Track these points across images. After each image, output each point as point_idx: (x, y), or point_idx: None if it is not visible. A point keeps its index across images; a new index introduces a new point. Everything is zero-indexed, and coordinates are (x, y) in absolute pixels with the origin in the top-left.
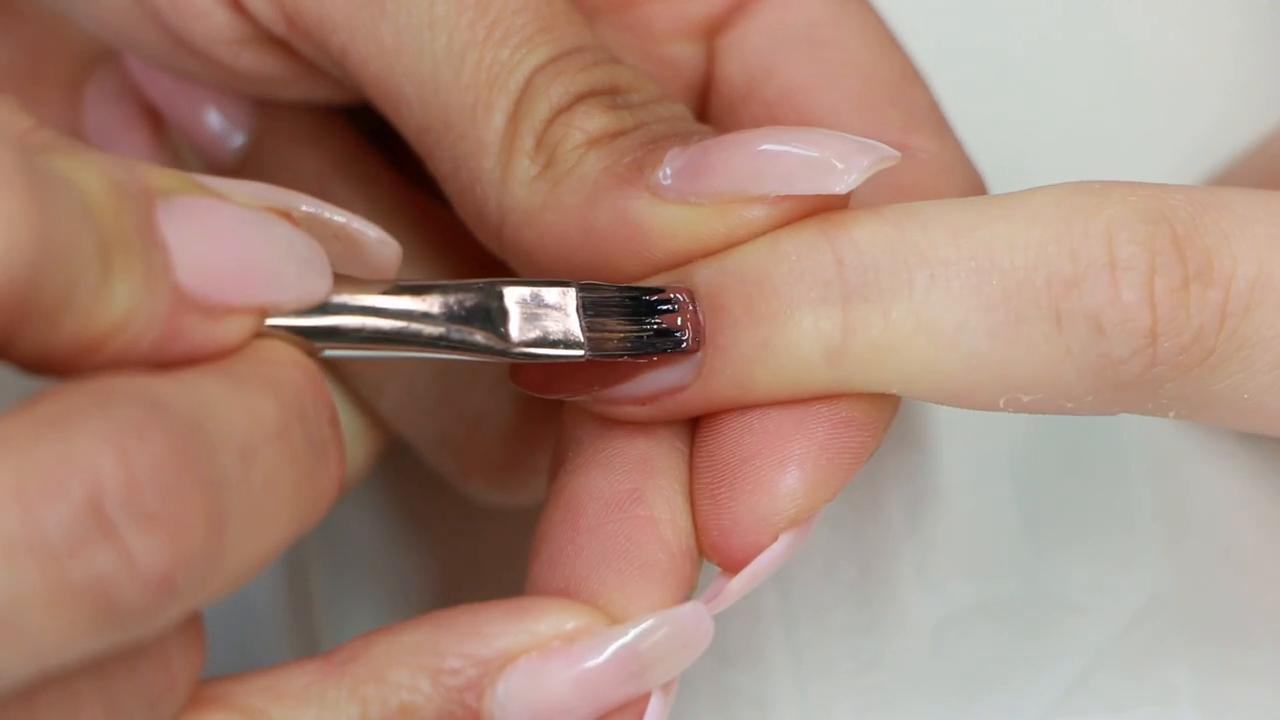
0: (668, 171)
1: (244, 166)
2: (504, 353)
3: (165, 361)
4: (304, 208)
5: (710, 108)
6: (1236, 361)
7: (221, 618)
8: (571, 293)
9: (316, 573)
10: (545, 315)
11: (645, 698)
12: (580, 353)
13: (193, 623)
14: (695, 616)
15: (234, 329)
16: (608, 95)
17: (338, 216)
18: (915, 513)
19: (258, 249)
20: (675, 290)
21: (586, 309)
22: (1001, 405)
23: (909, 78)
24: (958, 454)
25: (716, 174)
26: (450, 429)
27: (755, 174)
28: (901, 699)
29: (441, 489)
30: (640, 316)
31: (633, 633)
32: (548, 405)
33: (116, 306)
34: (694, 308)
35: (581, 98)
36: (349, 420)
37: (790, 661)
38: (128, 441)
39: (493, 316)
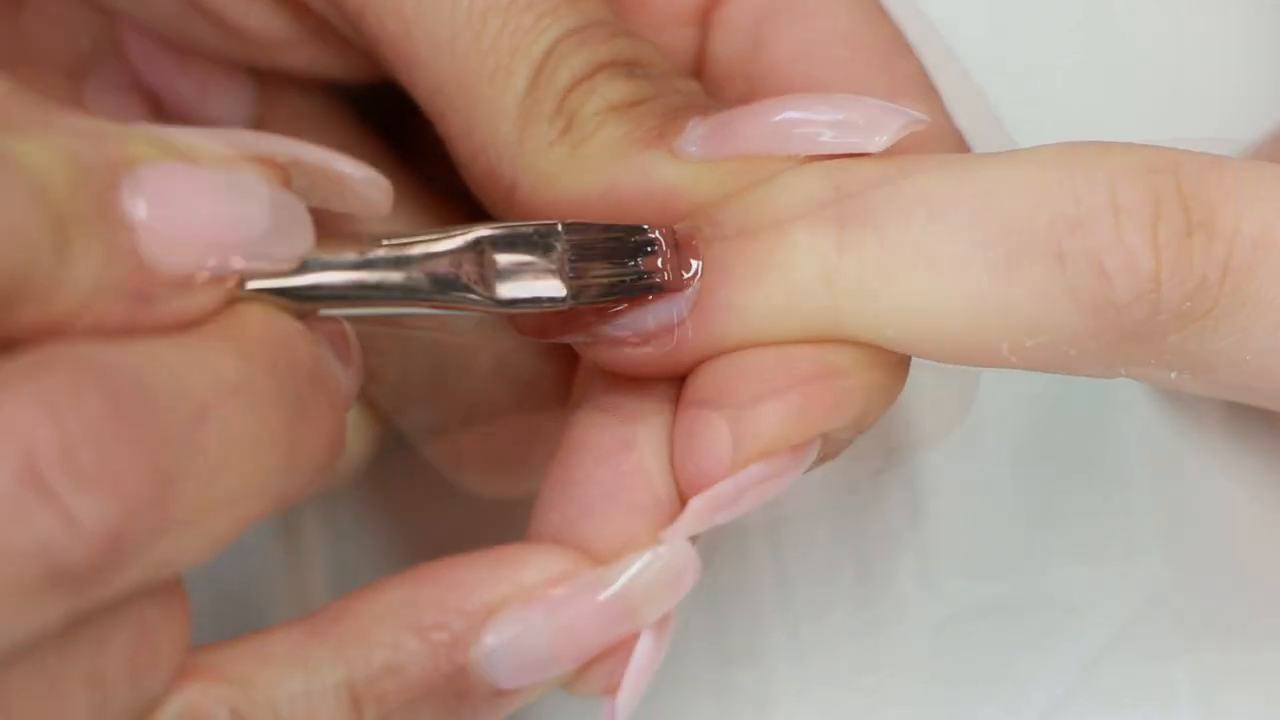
0: (691, 138)
1: None
2: (486, 304)
3: (136, 334)
4: (286, 151)
5: (703, 86)
6: (1240, 319)
7: (222, 623)
8: (556, 236)
9: (319, 570)
10: (529, 265)
11: (634, 638)
12: (562, 302)
13: (173, 592)
14: (679, 552)
15: (207, 298)
16: (628, 66)
17: (319, 158)
18: (916, 513)
19: (229, 214)
20: (656, 229)
21: (570, 254)
22: (1005, 351)
23: (897, 46)
24: (958, 454)
25: (741, 139)
26: (443, 420)
27: (782, 136)
28: (902, 699)
29: (438, 485)
30: (623, 259)
31: (616, 573)
32: (542, 397)
33: (78, 287)
34: (672, 246)
35: (602, 67)
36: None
37: (791, 662)
38: (59, 404)
39: (478, 268)
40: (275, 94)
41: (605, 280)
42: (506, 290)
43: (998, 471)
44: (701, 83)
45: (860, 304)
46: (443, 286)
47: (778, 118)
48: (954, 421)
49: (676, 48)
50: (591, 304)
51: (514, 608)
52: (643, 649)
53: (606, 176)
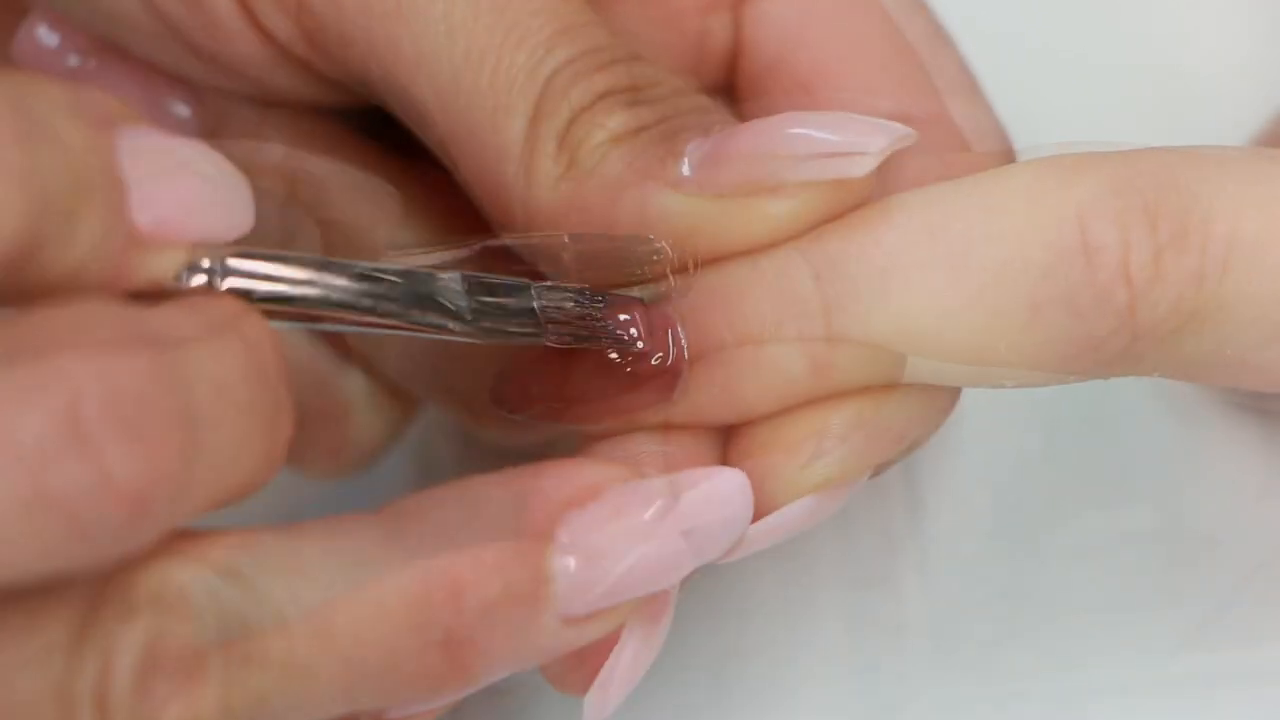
0: (688, 163)
1: None
2: (459, 321)
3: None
4: (292, 164)
5: (739, 79)
6: (1219, 320)
7: None
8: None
9: None
10: (505, 303)
11: (618, 636)
12: (537, 335)
13: None
14: (734, 481)
15: (213, 312)
16: (627, 93)
17: (325, 170)
18: (916, 513)
19: (234, 226)
20: (630, 300)
21: (546, 299)
22: (996, 381)
23: (938, 41)
24: (958, 454)
25: (735, 162)
26: (455, 381)
27: (773, 162)
28: (902, 700)
29: (449, 473)
30: (598, 313)
31: (669, 481)
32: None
33: (77, 251)
34: (644, 316)
35: (601, 97)
36: (367, 391)
37: (790, 662)
38: (109, 357)
39: (453, 295)
40: (278, 116)
41: (580, 320)
42: (479, 318)
43: (998, 471)
44: (739, 72)
45: (850, 382)
46: (423, 297)
47: (771, 137)
48: (939, 416)
49: (706, 36)
50: (566, 344)
51: (587, 508)
52: (630, 643)
53: (608, 214)
